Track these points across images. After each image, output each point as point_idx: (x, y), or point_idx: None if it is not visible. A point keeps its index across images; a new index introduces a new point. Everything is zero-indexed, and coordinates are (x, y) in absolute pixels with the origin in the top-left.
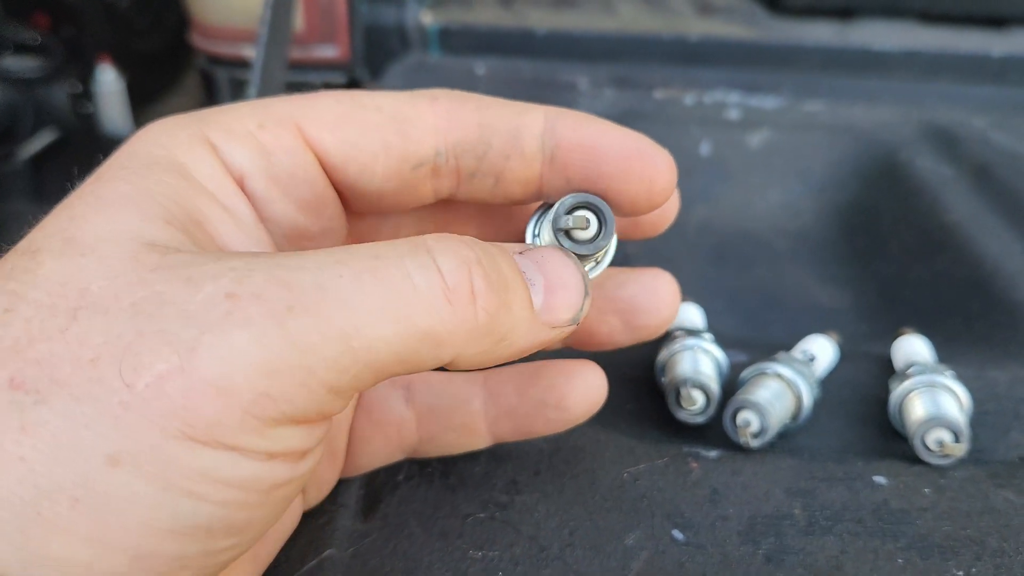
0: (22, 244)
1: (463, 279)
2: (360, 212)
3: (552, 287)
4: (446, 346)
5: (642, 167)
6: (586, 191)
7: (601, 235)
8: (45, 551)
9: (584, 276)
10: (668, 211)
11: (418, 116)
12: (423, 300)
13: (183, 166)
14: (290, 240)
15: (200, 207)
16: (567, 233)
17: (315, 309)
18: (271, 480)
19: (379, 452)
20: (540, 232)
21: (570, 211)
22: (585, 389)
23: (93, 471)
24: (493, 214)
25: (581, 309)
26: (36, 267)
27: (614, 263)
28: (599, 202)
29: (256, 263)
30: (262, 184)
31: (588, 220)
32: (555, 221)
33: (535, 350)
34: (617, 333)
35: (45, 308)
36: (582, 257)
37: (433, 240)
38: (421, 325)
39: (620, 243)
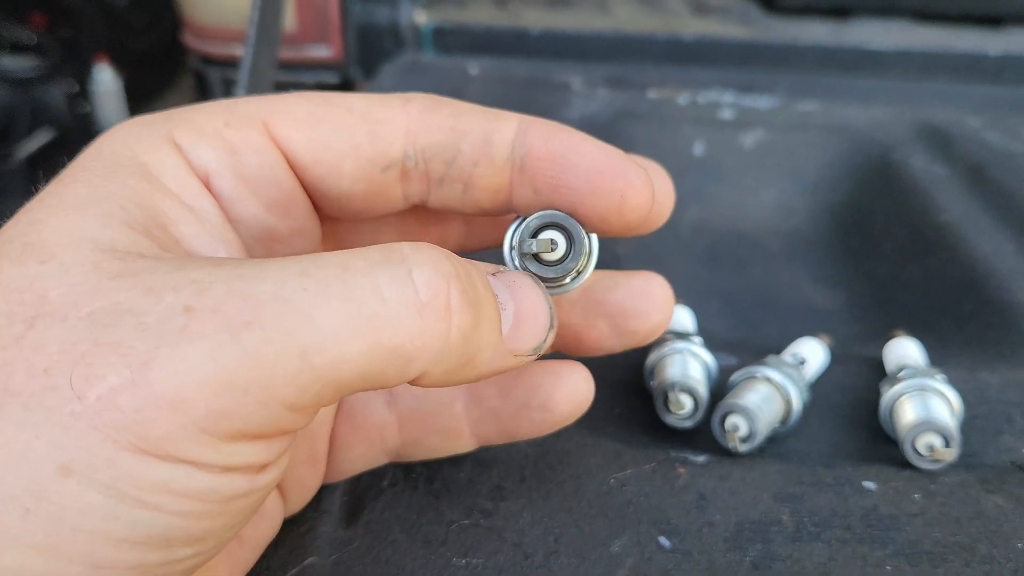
0: None
1: (439, 293)
2: (333, 216)
3: (521, 315)
4: (414, 363)
5: (612, 182)
6: (553, 206)
7: (570, 256)
8: None
9: (551, 308)
10: (661, 210)
11: (389, 117)
12: (393, 314)
13: (146, 167)
14: (260, 241)
15: (164, 209)
16: (534, 256)
17: (274, 323)
18: (229, 492)
19: (361, 456)
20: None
21: (535, 233)
22: (571, 390)
23: (45, 480)
24: (475, 224)
25: (544, 341)
26: None
27: (602, 265)
28: (566, 219)
29: (218, 273)
30: (229, 183)
31: (555, 242)
32: (520, 245)
33: (492, 375)
34: (606, 338)
35: (2, 315)
36: (550, 280)
37: (409, 249)
38: (389, 342)
39: (611, 243)
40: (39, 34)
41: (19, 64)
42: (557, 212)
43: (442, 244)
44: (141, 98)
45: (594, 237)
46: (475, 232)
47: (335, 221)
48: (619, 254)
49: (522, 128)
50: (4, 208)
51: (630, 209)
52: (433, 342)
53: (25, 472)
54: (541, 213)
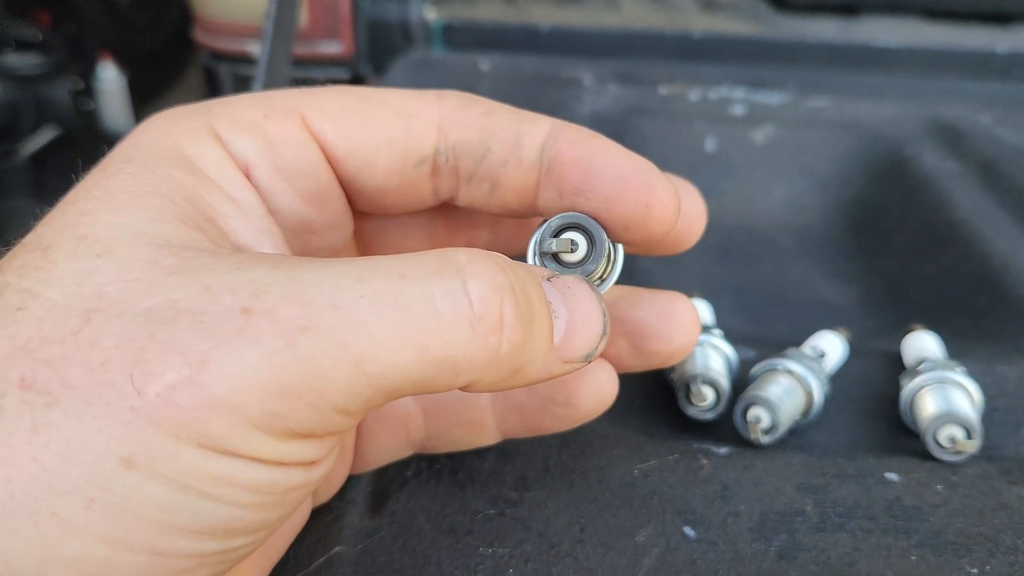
0: (31, 240)
1: (493, 308)
2: (364, 211)
3: (574, 323)
4: (464, 374)
5: (637, 191)
6: (577, 209)
7: (590, 258)
8: (60, 550)
9: (605, 314)
10: (692, 229)
11: (422, 113)
12: (446, 327)
13: (189, 158)
14: (295, 233)
15: (211, 202)
16: (554, 256)
17: (329, 331)
18: (286, 484)
19: (387, 448)
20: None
21: (556, 233)
22: (595, 387)
23: (108, 472)
24: (501, 230)
25: (596, 348)
26: (49, 265)
27: (626, 281)
28: (588, 222)
29: (275, 275)
30: (267, 175)
31: (575, 243)
32: (540, 244)
33: (542, 382)
34: (625, 357)
35: (58, 308)
36: None
37: (465, 259)
38: (440, 353)
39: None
40: (44, 32)
41: (24, 61)
42: (580, 214)
43: (471, 243)
44: (145, 96)
45: (620, 248)
46: (501, 238)
47: (364, 217)
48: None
49: (553, 132)
50: (10, 205)
51: (655, 220)
52: (483, 355)
53: (87, 464)
54: (564, 214)
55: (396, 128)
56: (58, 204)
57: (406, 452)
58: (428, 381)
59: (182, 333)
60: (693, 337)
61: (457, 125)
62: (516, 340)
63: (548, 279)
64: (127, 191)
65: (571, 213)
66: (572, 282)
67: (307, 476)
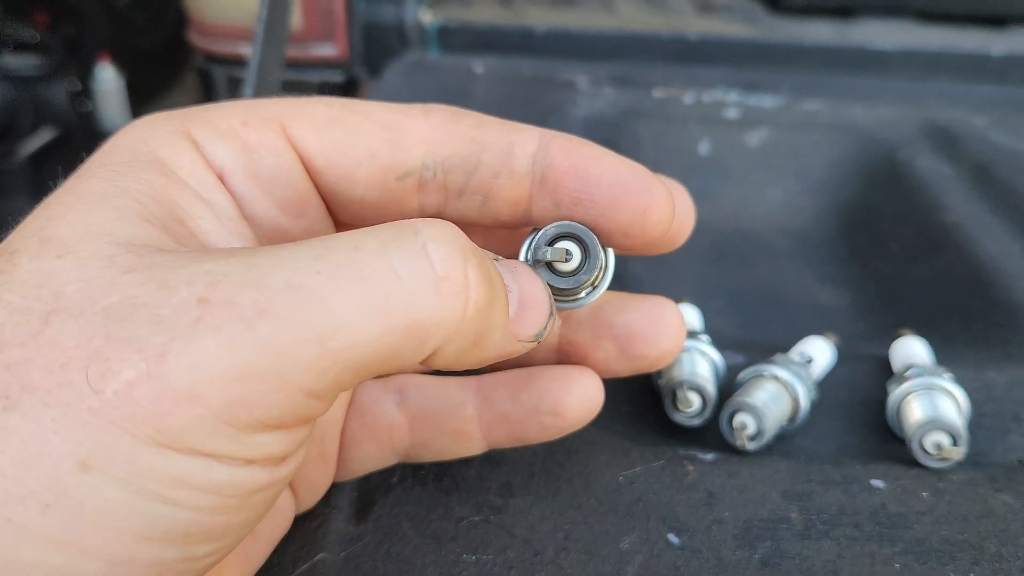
0: (2, 246)
1: (457, 268)
2: (347, 222)
3: (524, 300)
4: (431, 340)
5: (636, 196)
6: (573, 218)
7: (583, 268)
8: (16, 556)
9: (551, 296)
10: (681, 229)
11: (408, 127)
12: (409, 291)
13: (162, 161)
14: (271, 241)
15: (181, 203)
16: (548, 265)
17: (288, 311)
18: (249, 485)
19: (371, 456)
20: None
21: (552, 241)
22: (581, 396)
23: (64, 476)
24: (493, 236)
25: (545, 328)
26: (13, 269)
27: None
28: (583, 231)
29: (231, 264)
30: (243, 181)
31: (569, 252)
32: (534, 251)
33: (498, 360)
34: (612, 361)
35: (19, 311)
36: (563, 292)
37: (422, 223)
38: (407, 319)
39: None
40: (42, 32)
41: (22, 62)
42: (575, 223)
43: None
44: (144, 97)
45: (611, 253)
46: (492, 245)
47: (349, 228)
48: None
49: (544, 141)
50: (8, 206)
51: (652, 224)
52: (451, 316)
53: (44, 468)
54: (559, 223)
55: (378, 141)
56: (33, 211)
57: (391, 461)
58: (395, 353)
59: (139, 329)
60: (679, 342)
61: (446, 139)
62: (481, 303)
63: (495, 259)
64: (96, 193)
65: (566, 222)
66: (516, 264)
67: (272, 475)
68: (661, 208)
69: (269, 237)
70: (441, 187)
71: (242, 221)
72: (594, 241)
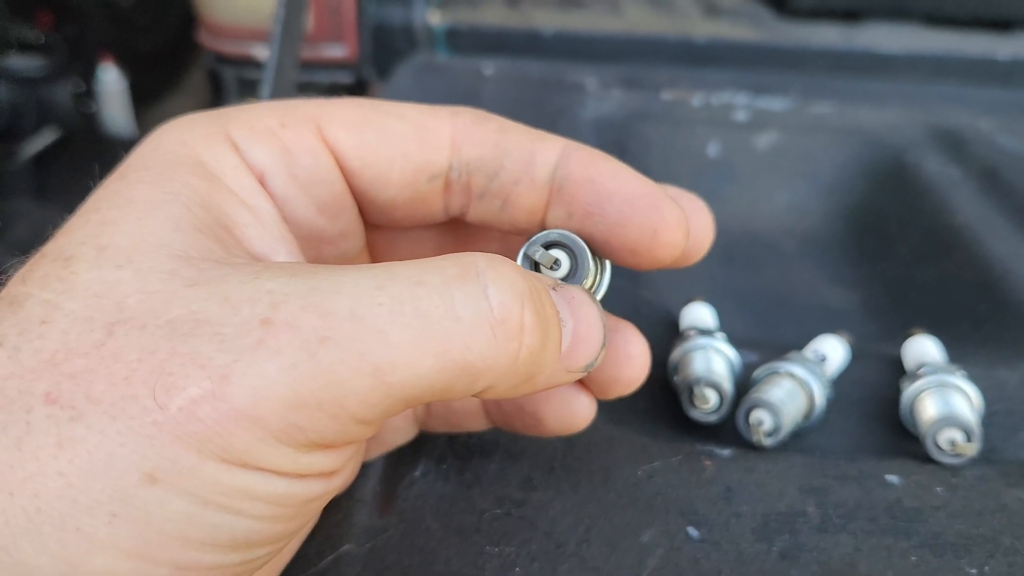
0: (51, 249)
1: (514, 313)
2: (375, 223)
3: (579, 333)
4: (481, 380)
5: (646, 215)
6: (581, 231)
7: (570, 279)
8: (86, 565)
9: (605, 325)
10: (699, 245)
11: (437, 128)
12: (467, 333)
13: (205, 165)
14: (308, 242)
15: (227, 210)
16: (534, 266)
17: (348, 341)
18: (305, 495)
19: (400, 429)
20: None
21: (547, 246)
22: (561, 411)
23: (130, 487)
24: (512, 242)
25: (597, 358)
26: (71, 276)
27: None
28: (577, 245)
29: (292, 285)
30: (282, 183)
31: (558, 261)
32: (528, 247)
33: (546, 390)
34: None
35: (82, 321)
36: None
37: (485, 264)
38: (461, 359)
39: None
40: (45, 33)
41: (26, 63)
42: (572, 235)
43: None
44: (146, 98)
45: (607, 270)
46: (512, 250)
47: (375, 229)
48: None
49: (566, 152)
50: (11, 206)
51: (662, 245)
52: (503, 361)
53: (110, 479)
54: (560, 231)
55: (411, 142)
56: (78, 212)
57: (414, 432)
58: (446, 388)
59: (203, 346)
60: (640, 371)
61: (471, 142)
62: (534, 347)
63: (554, 288)
64: (147, 200)
65: (565, 232)
66: (576, 292)
67: (326, 487)
68: (671, 230)
69: (305, 238)
70: (465, 189)
71: (283, 225)
72: (585, 256)
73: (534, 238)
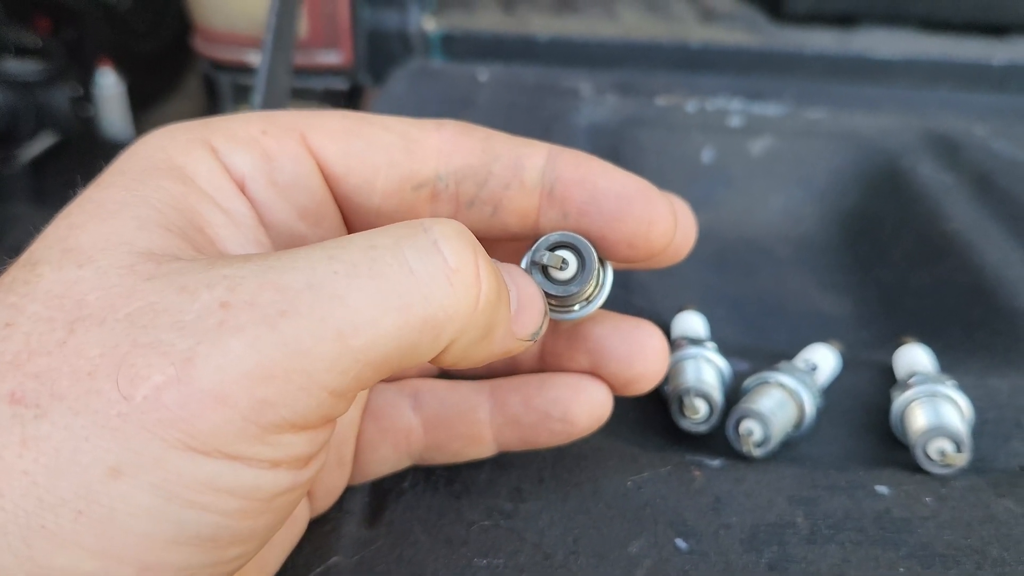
0: (24, 256)
1: (468, 261)
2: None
3: (521, 299)
4: (445, 332)
5: (641, 208)
6: (579, 231)
7: (577, 279)
8: (50, 563)
9: (544, 298)
10: (684, 243)
11: (423, 138)
12: (423, 286)
13: (181, 169)
14: (289, 248)
15: (200, 211)
16: (543, 270)
17: (308, 310)
18: (274, 488)
19: (387, 459)
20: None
21: (551, 248)
22: (590, 404)
23: (95, 483)
24: (498, 249)
25: (541, 327)
26: (36, 279)
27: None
28: (582, 243)
29: (248, 268)
30: (263, 188)
31: (565, 261)
32: (533, 252)
33: (500, 357)
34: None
35: (43, 321)
36: (559, 298)
37: (431, 221)
38: (422, 312)
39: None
40: (43, 38)
41: (23, 67)
42: (576, 235)
43: None
44: (144, 102)
45: (609, 272)
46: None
47: None
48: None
49: (552, 155)
50: (9, 211)
51: (657, 235)
52: (463, 308)
53: (75, 475)
54: (563, 232)
55: (397, 150)
56: (53, 219)
57: (404, 464)
58: (412, 347)
59: (164, 334)
60: (656, 366)
61: (458, 150)
62: (491, 295)
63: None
64: (116, 202)
65: (569, 233)
66: (511, 266)
67: (295, 479)
68: (664, 220)
69: (287, 244)
70: (452, 198)
71: (260, 228)
72: (591, 254)
73: (538, 242)
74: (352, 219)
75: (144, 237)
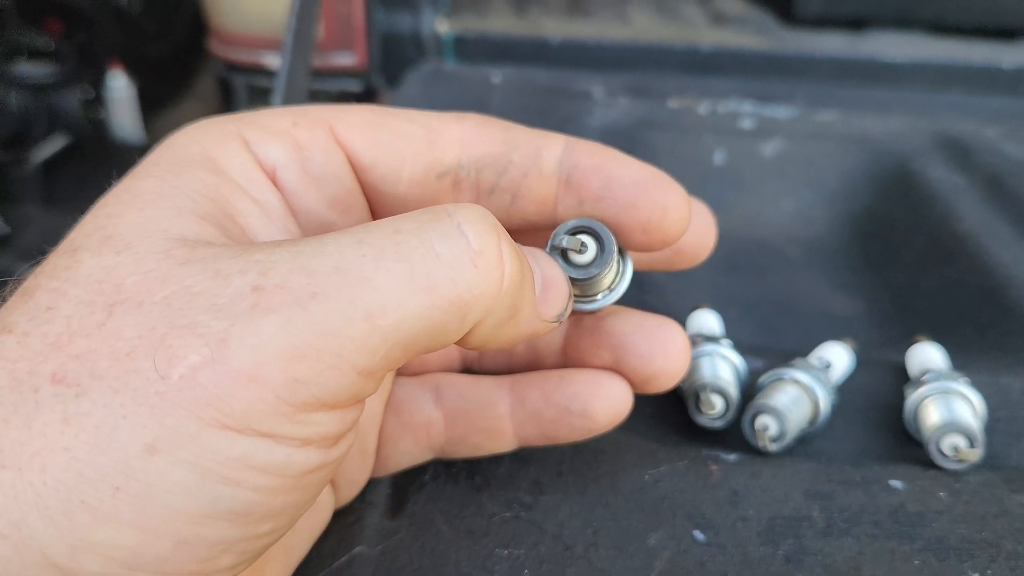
0: (63, 244)
1: (491, 243)
2: None
3: (546, 280)
4: (471, 313)
5: (655, 195)
6: (595, 217)
7: (595, 263)
8: (90, 536)
9: (568, 280)
10: (704, 243)
11: (445, 129)
12: (449, 267)
13: (214, 161)
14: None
15: (232, 201)
16: (563, 254)
17: (338, 292)
18: (304, 466)
19: (408, 452)
20: None
21: (572, 233)
22: (610, 400)
23: (133, 459)
24: (520, 241)
25: (565, 309)
26: (76, 265)
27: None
28: (602, 229)
29: (279, 253)
30: (294, 178)
31: (585, 244)
32: (553, 237)
33: (527, 338)
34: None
35: (84, 305)
36: (581, 281)
37: (453, 206)
38: (448, 294)
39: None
40: (55, 40)
41: (36, 70)
42: (595, 220)
43: None
44: (155, 104)
45: (629, 263)
46: None
47: None
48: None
49: (569, 145)
50: (21, 212)
51: (672, 221)
52: (488, 289)
53: (114, 452)
54: (582, 218)
55: (421, 141)
56: (91, 209)
57: (426, 457)
58: (439, 327)
59: (199, 316)
60: (678, 363)
61: (479, 140)
62: (515, 276)
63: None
64: (152, 192)
65: (587, 219)
66: (536, 249)
67: (324, 457)
68: (677, 208)
69: (316, 232)
70: (474, 186)
71: (290, 218)
72: (610, 238)
73: (558, 228)
74: (378, 208)
75: (179, 224)
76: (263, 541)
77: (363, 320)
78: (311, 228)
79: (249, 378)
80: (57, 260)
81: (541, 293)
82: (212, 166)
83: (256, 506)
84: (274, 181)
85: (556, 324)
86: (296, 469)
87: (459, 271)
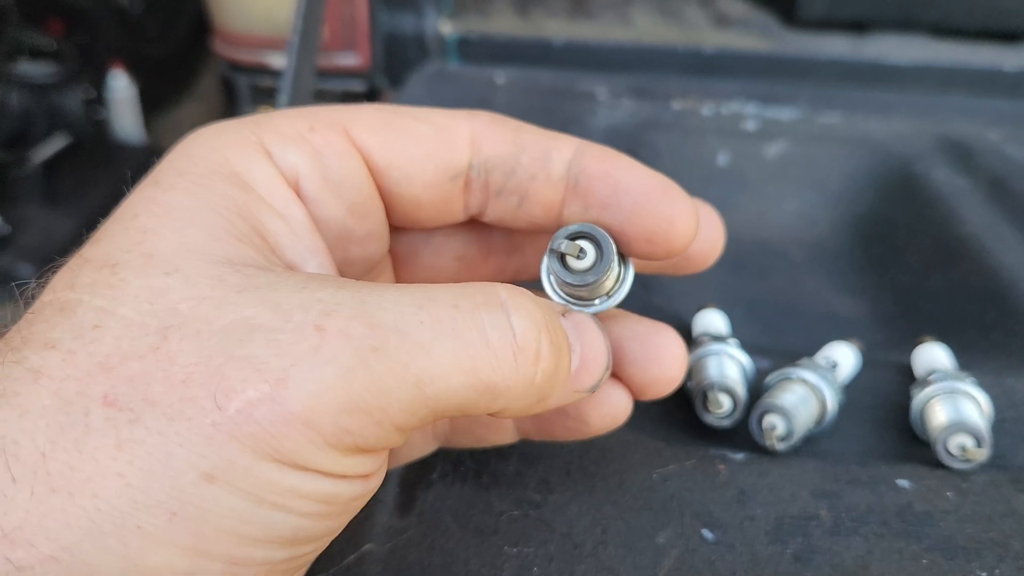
0: (94, 255)
1: (532, 341)
2: (398, 224)
3: (586, 357)
4: (500, 400)
5: (662, 205)
6: (600, 224)
7: (592, 269)
8: (145, 561)
9: (609, 349)
10: (712, 249)
11: (457, 128)
12: (493, 355)
13: (240, 175)
14: (337, 242)
15: (261, 219)
16: (561, 258)
17: (396, 353)
18: (348, 495)
19: (415, 444)
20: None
21: (572, 238)
22: (605, 406)
23: (189, 486)
24: (532, 246)
25: (601, 379)
26: (120, 283)
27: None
28: (602, 235)
29: (342, 296)
30: (316, 187)
31: (584, 250)
32: (552, 241)
33: (555, 407)
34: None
35: (135, 326)
36: (576, 287)
37: (506, 294)
38: (487, 379)
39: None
40: (57, 40)
41: (37, 70)
42: (596, 227)
43: (499, 273)
44: (156, 105)
45: (630, 270)
46: (531, 261)
47: (397, 231)
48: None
49: (580, 149)
50: (21, 212)
51: (678, 233)
52: (521, 383)
53: (170, 479)
54: (583, 223)
55: (433, 142)
56: (114, 217)
57: (432, 447)
58: (470, 404)
59: (259, 350)
60: (673, 371)
61: (489, 140)
62: (548, 372)
63: (563, 315)
64: (184, 208)
65: (588, 224)
66: (583, 319)
67: (365, 487)
68: (684, 220)
69: (336, 239)
70: (484, 187)
71: (315, 233)
72: (610, 246)
73: (558, 232)
74: (392, 210)
75: (220, 247)
76: (303, 559)
77: (412, 385)
78: (331, 235)
79: (304, 423)
80: (95, 275)
81: (579, 369)
82: (238, 180)
83: (303, 531)
84: (297, 192)
85: (590, 393)
86: (342, 498)
87: (501, 361)
